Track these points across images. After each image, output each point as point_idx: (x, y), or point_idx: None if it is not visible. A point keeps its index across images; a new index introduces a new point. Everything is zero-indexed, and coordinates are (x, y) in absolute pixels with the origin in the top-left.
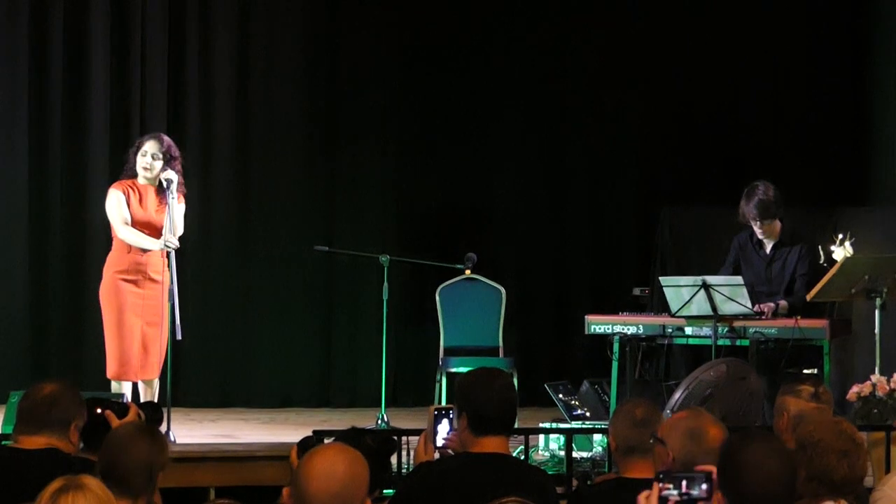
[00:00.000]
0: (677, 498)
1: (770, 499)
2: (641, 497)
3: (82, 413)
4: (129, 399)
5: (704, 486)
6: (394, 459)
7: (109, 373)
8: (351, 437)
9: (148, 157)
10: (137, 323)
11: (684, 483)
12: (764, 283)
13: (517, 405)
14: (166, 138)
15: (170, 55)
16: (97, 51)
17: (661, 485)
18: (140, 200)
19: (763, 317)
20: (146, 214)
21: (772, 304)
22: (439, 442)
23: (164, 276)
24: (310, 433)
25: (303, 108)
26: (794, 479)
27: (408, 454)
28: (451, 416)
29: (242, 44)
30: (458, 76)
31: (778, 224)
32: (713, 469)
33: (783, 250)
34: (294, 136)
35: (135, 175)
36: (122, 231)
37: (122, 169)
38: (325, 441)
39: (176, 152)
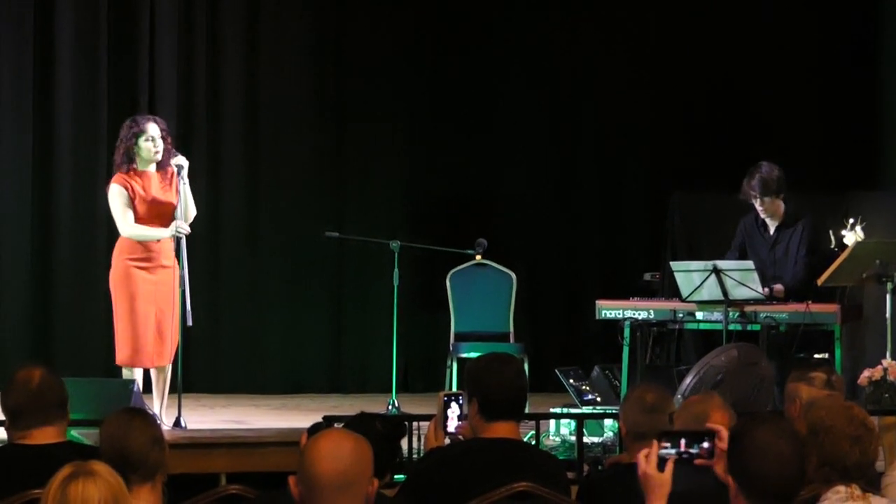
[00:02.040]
0: (675, 457)
1: (780, 481)
2: (641, 455)
3: (66, 390)
4: (141, 386)
5: (706, 444)
6: (405, 445)
7: (120, 360)
8: (360, 422)
9: (157, 142)
10: (151, 309)
11: (683, 441)
12: (770, 266)
13: (527, 390)
14: (158, 118)
15: (179, 43)
16: (103, 33)
17: (660, 443)
18: (143, 187)
19: (776, 298)
20: (153, 198)
21: (766, 290)
22: (450, 428)
23: (175, 261)
24: (320, 419)
25: (312, 95)
26: (803, 461)
27: (418, 440)
28: (460, 401)
29: (251, 32)
30: (468, 61)
31: (781, 204)
32: (720, 428)
33: (786, 232)
34: (304, 123)
35: (131, 162)
36: (127, 229)
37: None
38: (335, 426)
39: (166, 127)
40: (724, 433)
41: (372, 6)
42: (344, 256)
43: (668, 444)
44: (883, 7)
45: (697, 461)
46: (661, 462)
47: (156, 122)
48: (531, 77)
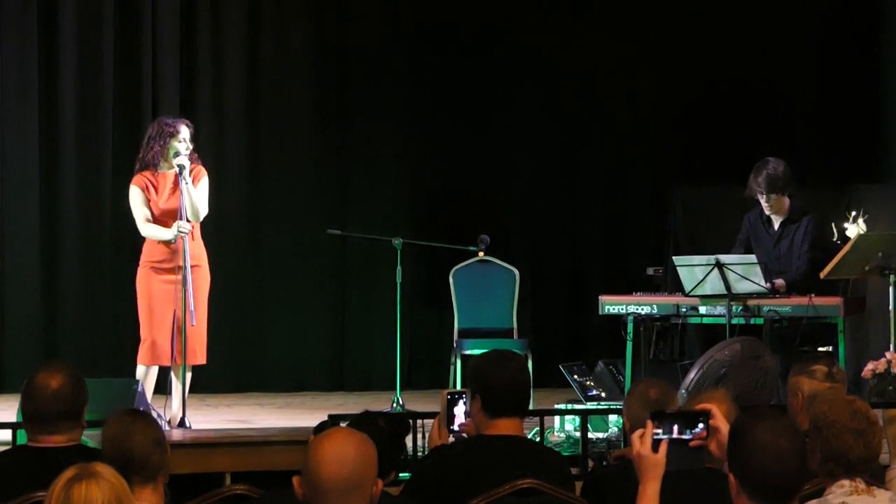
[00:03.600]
0: (667, 440)
1: (781, 478)
2: (635, 435)
3: (86, 395)
4: (148, 386)
5: (700, 427)
6: (410, 443)
7: (140, 359)
8: (364, 420)
9: (187, 143)
10: (170, 310)
11: (675, 427)
12: (774, 261)
13: (530, 386)
14: (187, 120)
15: (181, 40)
16: (107, 28)
17: (654, 426)
18: (157, 190)
19: (779, 292)
20: (166, 202)
21: (769, 284)
22: (453, 426)
23: (204, 260)
24: (325, 417)
25: (314, 92)
26: (804, 457)
27: (423, 437)
28: (464, 399)
29: (253, 29)
30: (470, 57)
31: (786, 200)
32: (712, 407)
33: (791, 227)
34: (306, 120)
35: (155, 165)
36: (143, 229)
37: (136, 158)
38: (342, 425)
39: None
40: (717, 411)
41: (374, 4)
42: (347, 254)
43: (661, 431)
44: (885, 1)
45: (692, 443)
46: (656, 443)
47: (187, 124)
48: (533, 74)
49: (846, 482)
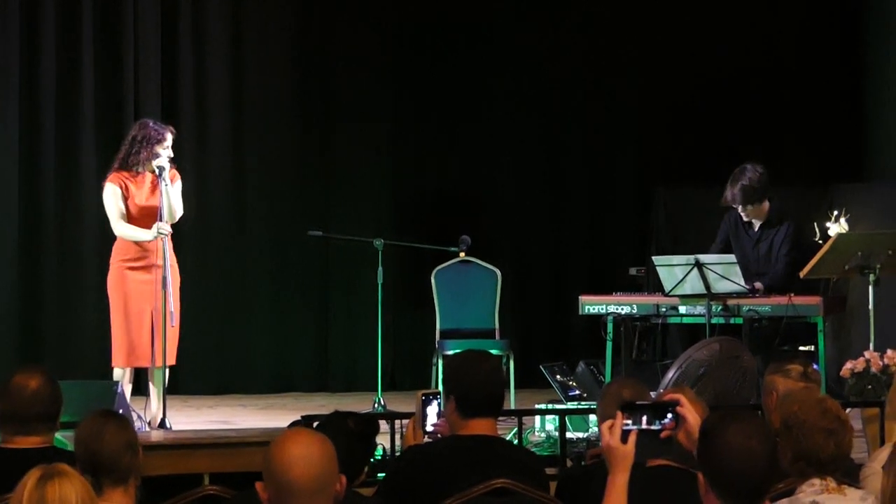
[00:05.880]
0: (636, 431)
1: (750, 479)
2: (604, 426)
3: (62, 398)
4: (126, 388)
5: (668, 418)
6: (388, 444)
7: (116, 361)
8: (334, 421)
9: (170, 150)
10: (146, 308)
11: (644, 418)
12: (753, 263)
13: (505, 387)
14: (171, 127)
15: (162, 40)
16: (87, 31)
17: (623, 416)
18: (137, 188)
19: (757, 294)
20: (145, 199)
21: (748, 286)
22: (428, 427)
23: (167, 262)
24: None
25: (297, 92)
26: (775, 458)
27: (400, 438)
28: (438, 399)
29: (236, 28)
30: (453, 57)
31: (765, 205)
32: (678, 397)
33: (770, 230)
34: (288, 121)
35: (135, 166)
36: (118, 228)
37: (115, 156)
38: (315, 425)
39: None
40: (685, 401)
41: (357, 3)
42: (329, 255)
43: (630, 421)
44: (866, 1)
45: (663, 435)
46: (625, 434)
47: (171, 131)
48: (516, 74)
49: (817, 481)
